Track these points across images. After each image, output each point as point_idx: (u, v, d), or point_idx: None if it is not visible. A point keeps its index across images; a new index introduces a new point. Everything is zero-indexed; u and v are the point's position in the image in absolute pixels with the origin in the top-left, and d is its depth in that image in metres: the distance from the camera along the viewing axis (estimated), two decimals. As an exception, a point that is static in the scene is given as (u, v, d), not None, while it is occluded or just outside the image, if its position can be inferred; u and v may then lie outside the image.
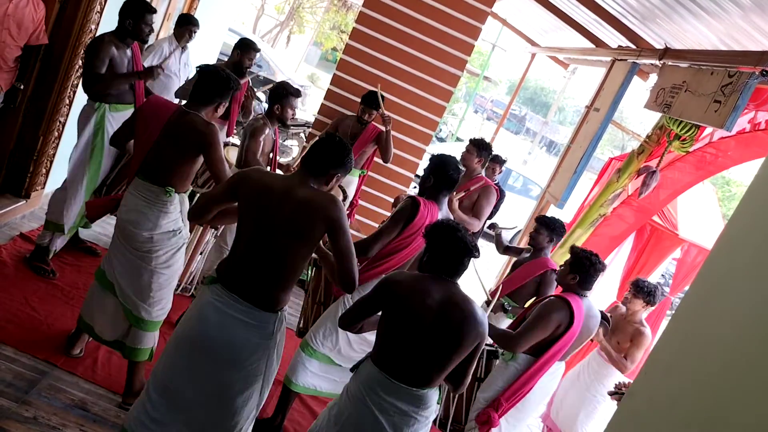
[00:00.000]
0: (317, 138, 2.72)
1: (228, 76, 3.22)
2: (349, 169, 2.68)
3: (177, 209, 3.29)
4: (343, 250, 2.53)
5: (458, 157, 4.90)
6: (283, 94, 4.21)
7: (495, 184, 5.50)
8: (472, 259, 2.63)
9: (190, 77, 5.79)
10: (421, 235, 3.39)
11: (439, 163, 3.50)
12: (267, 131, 4.21)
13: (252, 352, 2.54)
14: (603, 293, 6.39)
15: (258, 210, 2.51)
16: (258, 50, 5.44)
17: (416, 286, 2.52)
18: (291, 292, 2.62)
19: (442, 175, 3.47)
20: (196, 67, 3.31)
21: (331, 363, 3.56)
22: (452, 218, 3.59)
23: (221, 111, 3.30)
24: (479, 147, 5.01)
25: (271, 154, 4.43)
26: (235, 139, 6.14)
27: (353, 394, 2.55)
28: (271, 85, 5.27)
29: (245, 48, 5.32)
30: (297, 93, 4.28)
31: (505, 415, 3.55)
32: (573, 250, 3.69)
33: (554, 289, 4.38)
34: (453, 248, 2.56)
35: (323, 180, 2.59)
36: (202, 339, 2.53)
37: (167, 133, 3.13)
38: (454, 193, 4.79)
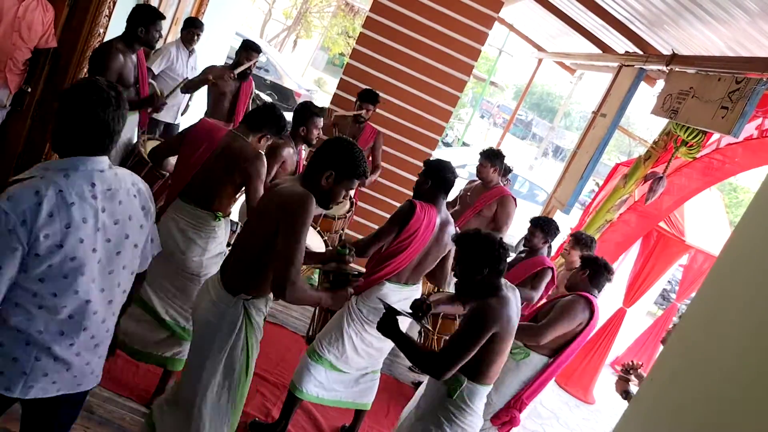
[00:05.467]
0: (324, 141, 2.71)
1: (282, 116, 3.34)
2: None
3: (224, 233, 3.34)
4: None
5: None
6: (308, 116, 4.19)
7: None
8: None
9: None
10: (419, 237, 3.41)
11: (436, 166, 3.53)
12: (287, 151, 4.19)
13: (205, 330, 2.60)
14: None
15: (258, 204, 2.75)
16: (259, 51, 5.46)
17: (507, 309, 2.65)
18: (260, 285, 2.58)
19: (438, 178, 3.49)
20: (263, 103, 3.39)
21: (336, 370, 3.56)
22: (452, 222, 3.61)
23: (264, 144, 3.35)
24: (490, 157, 5.06)
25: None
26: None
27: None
28: (247, 66, 5.29)
29: (246, 49, 5.39)
30: (321, 112, 4.28)
31: None
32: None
33: (544, 286, 4.51)
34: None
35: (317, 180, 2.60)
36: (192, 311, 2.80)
37: (217, 156, 3.17)
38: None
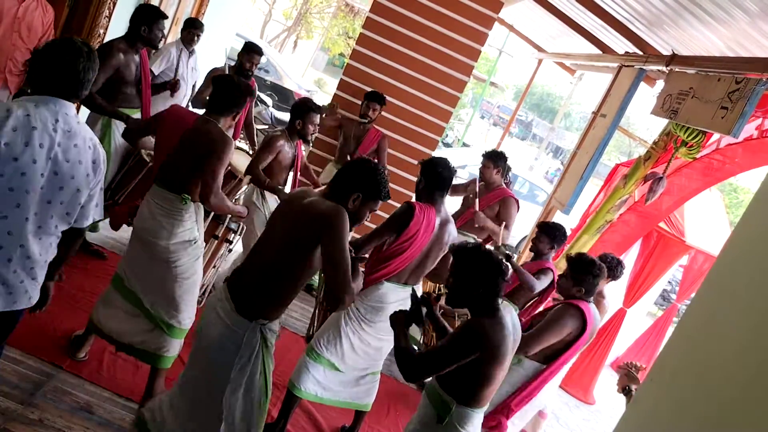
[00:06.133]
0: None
1: (241, 84, 3.26)
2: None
3: (192, 218, 3.30)
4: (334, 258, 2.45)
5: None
6: (305, 110, 4.20)
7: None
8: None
9: (197, 82, 5.83)
10: (419, 239, 3.41)
11: (429, 164, 3.53)
12: (281, 143, 4.21)
13: (220, 356, 2.52)
14: (608, 300, 6.36)
15: (270, 220, 2.67)
16: (261, 53, 5.49)
17: (498, 334, 2.53)
18: (277, 308, 2.57)
19: (432, 175, 3.49)
20: (212, 79, 3.34)
21: (334, 369, 3.56)
22: (452, 221, 3.61)
23: (239, 118, 3.32)
24: (493, 158, 5.10)
25: (291, 170, 4.46)
26: (240, 143, 6.17)
27: None
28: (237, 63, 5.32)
29: (247, 51, 5.41)
30: (318, 109, 4.29)
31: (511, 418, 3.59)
32: (568, 258, 3.72)
33: (551, 288, 4.46)
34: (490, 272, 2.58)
35: (345, 199, 2.58)
36: (196, 333, 2.66)
37: (185, 141, 3.15)
38: (476, 206, 4.88)
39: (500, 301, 2.60)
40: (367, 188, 2.59)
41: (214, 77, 3.32)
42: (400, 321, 2.73)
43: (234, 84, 3.23)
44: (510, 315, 2.63)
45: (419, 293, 3.64)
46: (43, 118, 2.17)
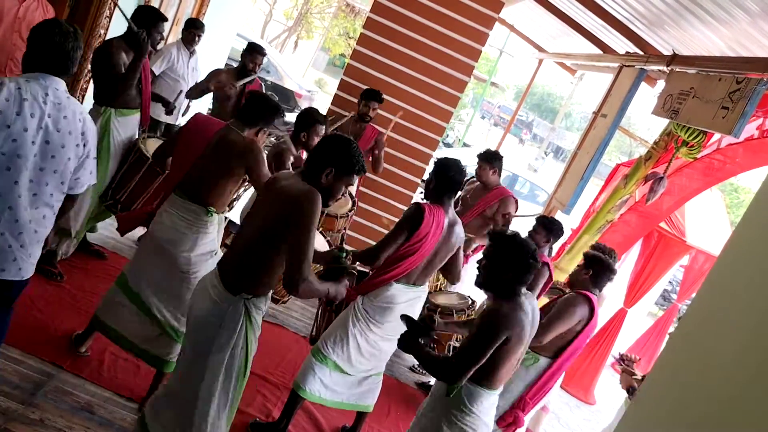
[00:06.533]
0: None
1: (277, 105, 3.33)
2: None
3: (215, 230, 3.32)
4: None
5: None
6: (311, 123, 4.19)
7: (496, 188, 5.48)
8: None
9: (198, 81, 5.83)
10: (429, 240, 3.41)
11: (441, 166, 3.53)
12: (289, 155, 4.19)
13: (204, 329, 2.58)
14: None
15: (256, 199, 2.79)
16: (263, 54, 5.50)
17: (520, 314, 2.68)
18: (261, 283, 2.59)
19: (443, 178, 3.49)
20: (248, 92, 3.36)
21: (340, 371, 3.56)
22: (459, 222, 3.61)
23: (262, 137, 3.34)
24: (488, 159, 5.10)
25: None
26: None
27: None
28: (250, 79, 5.35)
29: (251, 52, 5.44)
30: (323, 120, 4.28)
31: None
32: (586, 254, 3.87)
33: (548, 281, 4.48)
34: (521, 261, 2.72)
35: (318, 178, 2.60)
36: (188, 311, 2.75)
37: (211, 150, 3.16)
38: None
39: (524, 289, 2.74)
40: (340, 162, 2.58)
41: (251, 92, 3.37)
42: (407, 345, 2.81)
43: (269, 102, 3.30)
44: (530, 302, 2.77)
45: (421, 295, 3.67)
46: (33, 91, 2.36)
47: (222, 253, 3.46)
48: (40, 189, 2.46)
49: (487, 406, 2.75)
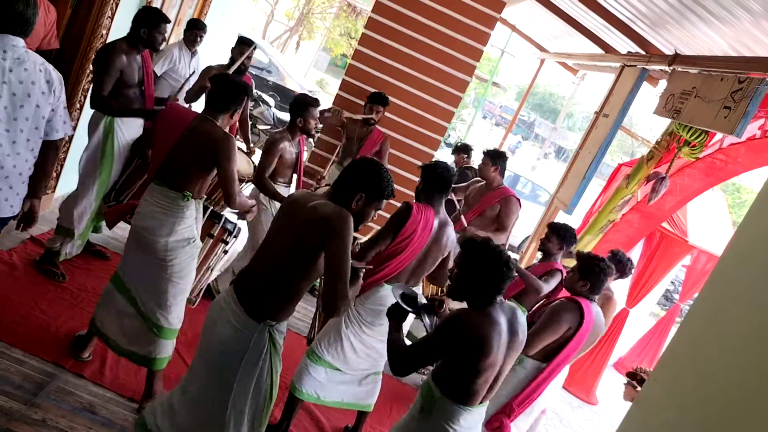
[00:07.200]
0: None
1: (240, 83, 3.24)
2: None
3: (192, 216, 3.29)
4: (335, 267, 2.40)
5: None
6: (303, 106, 4.20)
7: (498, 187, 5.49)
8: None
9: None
10: (416, 239, 3.40)
11: (429, 166, 3.55)
12: (284, 145, 4.22)
13: (228, 357, 2.50)
14: (617, 295, 6.35)
15: (275, 220, 2.63)
16: (251, 44, 5.47)
17: (488, 327, 2.46)
18: (285, 309, 2.55)
19: (431, 176, 3.50)
20: (209, 79, 3.33)
21: (335, 370, 3.56)
22: (451, 224, 3.61)
23: (237, 117, 3.32)
24: (494, 157, 5.12)
25: (294, 169, 4.48)
26: (239, 143, 6.20)
27: None
28: (240, 62, 5.27)
29: (238, 45, 5.44)
30: (315, 102, 4.29)
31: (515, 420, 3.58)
32: (579, 255, 3.75)
33: (559, 288, 4.44)
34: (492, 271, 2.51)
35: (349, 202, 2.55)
36: (201, 334, 2.61)
37: (186, 140, 3.14)
38: (464, 222, 4.90)
39: (500, 299, 2.55)
40: (371, 188, 2.55)
41: (212, 76, 3.32)
42: (392, 315, 2.73)
43: (232, 82, 3.22)
44: (509, 313, 2.58)
45: (420, 295, 3.63)
46: None
47: (201, 244, 3.47)
48: (17, 136, 2.73)
49: (466, 425, 2.57)
